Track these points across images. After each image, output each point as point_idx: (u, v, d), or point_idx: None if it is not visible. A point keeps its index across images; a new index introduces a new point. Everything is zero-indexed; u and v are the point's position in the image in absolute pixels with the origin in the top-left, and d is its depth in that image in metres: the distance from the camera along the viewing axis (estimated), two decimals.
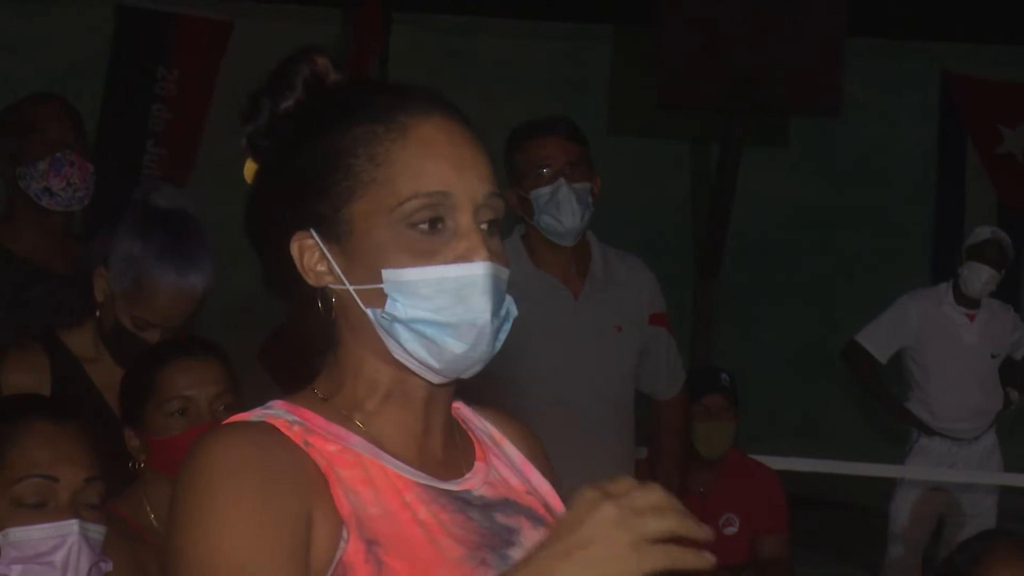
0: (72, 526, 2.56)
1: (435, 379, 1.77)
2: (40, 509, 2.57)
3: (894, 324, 7.40)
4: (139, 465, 3.13)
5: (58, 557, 2.54)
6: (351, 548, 1.66)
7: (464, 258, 1.72)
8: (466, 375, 1.77)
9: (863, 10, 8.56)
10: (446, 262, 1.72)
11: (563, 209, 4.43)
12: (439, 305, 1.71)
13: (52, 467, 2.58)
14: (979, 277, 7.29)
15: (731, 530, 6.09)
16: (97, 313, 3.49)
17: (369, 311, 1.74)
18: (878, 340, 7.40)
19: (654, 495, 1.54)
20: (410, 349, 1.73)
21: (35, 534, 2.54)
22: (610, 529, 1.51)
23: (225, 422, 1.75)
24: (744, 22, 7.79)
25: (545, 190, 4.43)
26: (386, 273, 1.72)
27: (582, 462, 4.42)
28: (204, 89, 10.51)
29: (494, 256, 1.74)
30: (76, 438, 2.62)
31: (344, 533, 1.67)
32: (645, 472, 4.87)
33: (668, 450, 4.83)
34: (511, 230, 4.61)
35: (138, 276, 3.38)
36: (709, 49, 7.76)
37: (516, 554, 1.75)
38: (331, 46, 10.38)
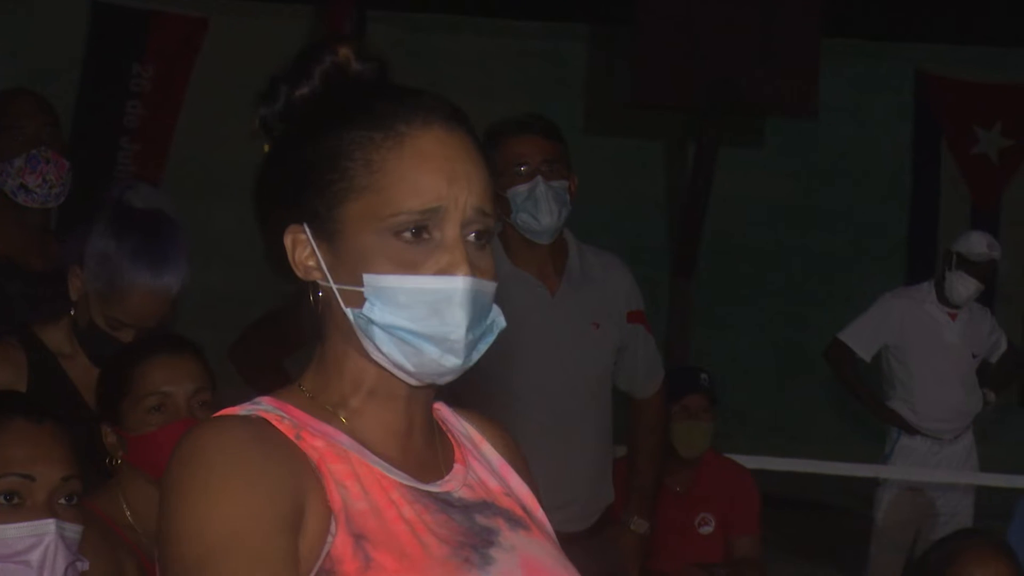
0: (49, 525, 2.54)
1: (410, 381, 1.79)
2: (17, 508, 2.54)
3: (877, 322, 7.41)
4: (116, 461, 3.12)
5: (34, 556, 2.52)
6: (339, 541, 1.67)
7: (445, 271, 1.73)
8: (440, 381, 1.79)
9: (839, 11, 8.57)
10: (427, 273, 1.73)
11: (540, 207, 4.42)
12: (415, 315, 1.73)
13: (29, 466, 2.56)
14: (966, 288, 7.29)
15: (707, 529, 6.10)
16: (72, 311, 3.47)
17: (348, 310, 1.75)
18: (861, 338, 7.41)
19: None
20: (385, 351, 1.74)
21: (11, 533, 2.52)
22: None
23: (215, 415, 1.76)
24: (720, 22, 7.79)
25: (522, 188, 4.42)
26: (367, 278, 1.73)
27: (559, 460, 4.43)
28: (179, 86, 10.49)
29: (478, 271, 1.75)
30: (54, 437, 2.60)
31: (332, 527, 1.68)
32: (623, 471, 4.86)
33: (645, 449, 4.82)
34: None
35: (111, 276, 3.37)
36: (685, 49, 7.75)
37: (496, 554, 1.76)
38: (304, 43, 10.37)
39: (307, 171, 1.77)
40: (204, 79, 10.40)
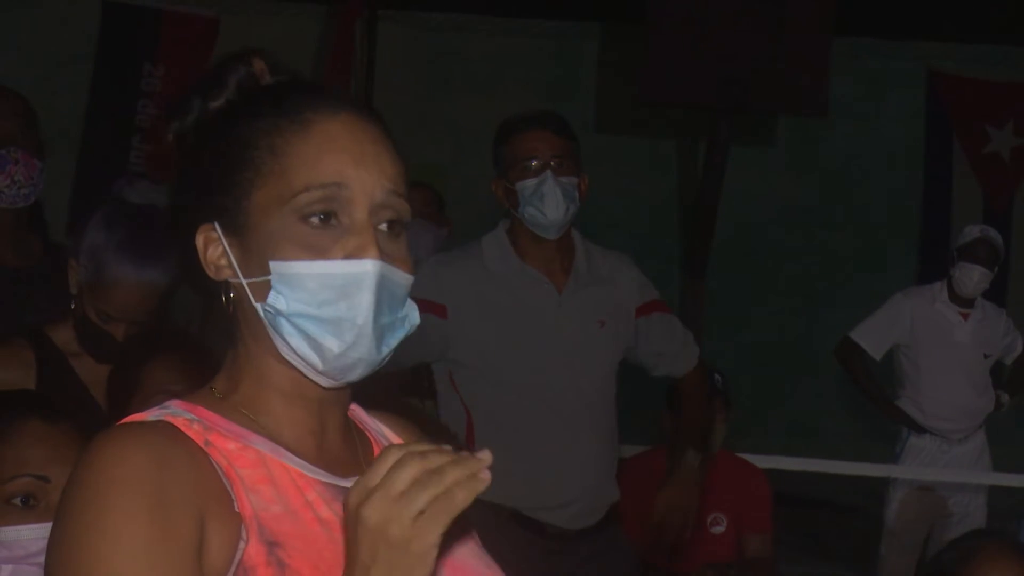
0: None
1: (323, 381, 1.74)
2: (32, 509, 2.54)
3: (888, 321, 7.42)
4: None
5: None
6: (251, 550, 1.63)
7: (353, 255, 1.69)
8: (352, 377, 1.74)
9: (850, 9, 8.55)
10: (335, 258, 1.69)
11: (547, 201, 4.42)
12: (322, 300, 1.68)
13: (44, 466, 2.55)
14: (971, 277, 7.30)
15: (719, 529, 6.10)
16: (72, 305, 3.48)
17: (258, 305, 1.72)
18: (872, 337, 7.42)
19: (411, 468, 1.47)
20: (293, 345, 1.70)
21: (25, 534, 2.51)
22: (381, 532, 1.47)
23: (121, 422, 1.71)
24: (731, 21, 7.77)
25: (531, 182, 4.42)
26: (273, 265, 1.69)
27: (564, 457, 4.44)
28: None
29: (388, 257, 1.71)
30: (69, 437, 2.59)
31: (244, 534, 1.64)
32: (627, 471, 4.86)
33: (690, 401, 4.90)
34: (497, 223, 4.61)
35: (99, 269, 3.37)
36: (696, 48, 7.74)
37: None
38: (315, 43, 10.38)
39: (213, 169, 1.74)
40: None
